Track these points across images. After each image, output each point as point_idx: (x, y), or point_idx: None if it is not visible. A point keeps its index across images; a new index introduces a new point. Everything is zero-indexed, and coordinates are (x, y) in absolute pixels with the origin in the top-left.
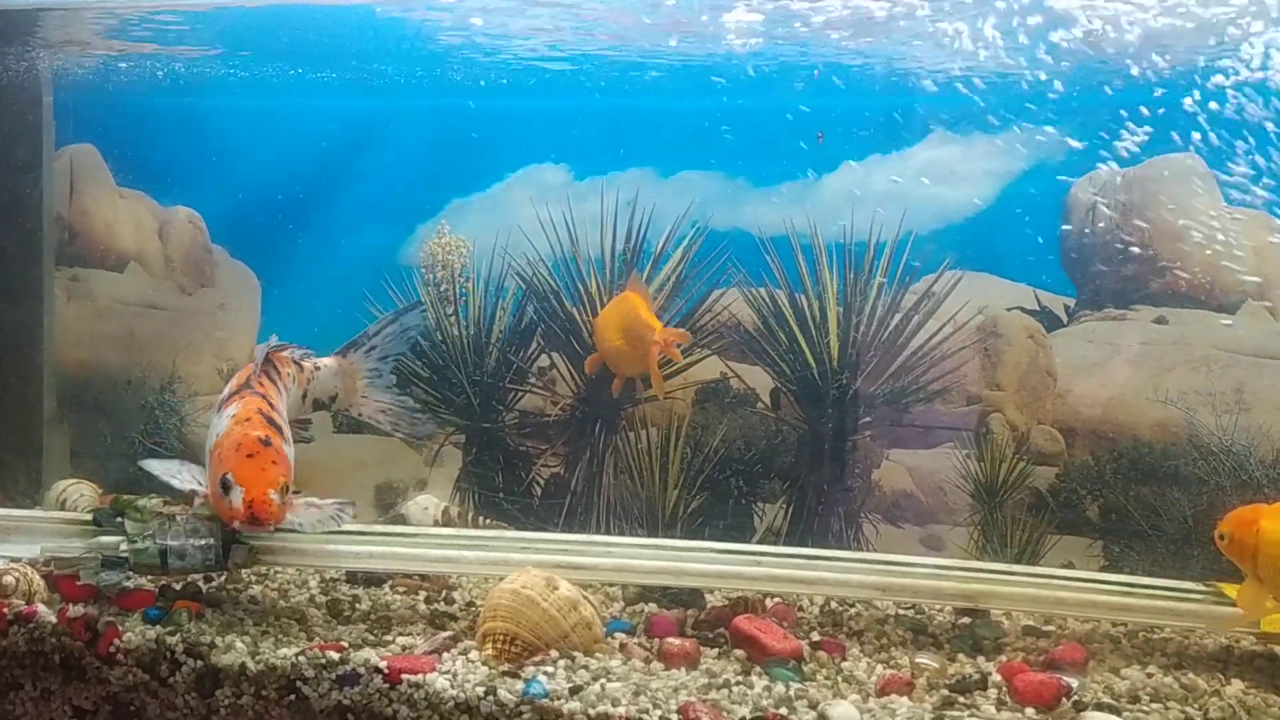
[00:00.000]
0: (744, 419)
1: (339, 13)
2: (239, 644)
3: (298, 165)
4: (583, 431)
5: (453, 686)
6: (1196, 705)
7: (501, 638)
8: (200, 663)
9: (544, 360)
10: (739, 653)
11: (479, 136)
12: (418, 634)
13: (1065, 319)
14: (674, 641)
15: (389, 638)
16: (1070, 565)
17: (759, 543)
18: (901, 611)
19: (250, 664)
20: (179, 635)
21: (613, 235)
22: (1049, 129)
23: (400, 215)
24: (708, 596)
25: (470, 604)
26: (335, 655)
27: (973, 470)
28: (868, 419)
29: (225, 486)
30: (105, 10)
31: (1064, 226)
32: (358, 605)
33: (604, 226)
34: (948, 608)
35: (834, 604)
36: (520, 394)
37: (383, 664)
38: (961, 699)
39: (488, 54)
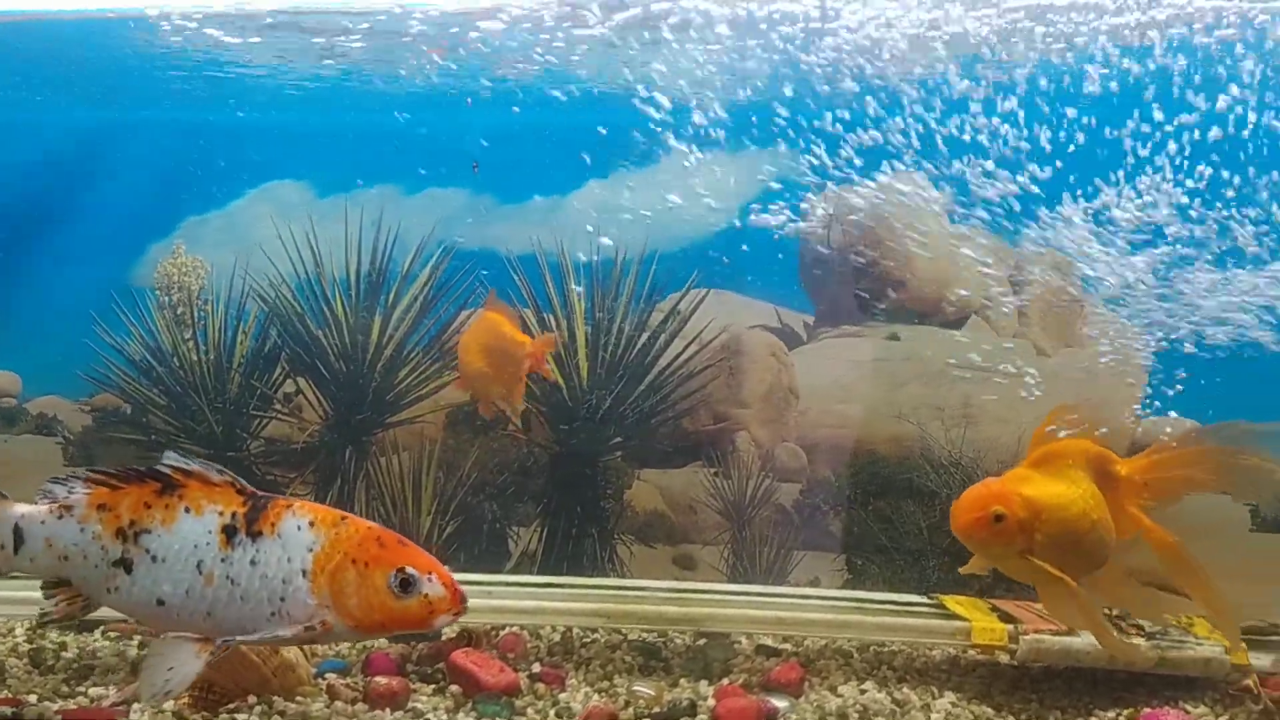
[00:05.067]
0: (496, 442)
1: (62, 26)
2: None
3: (16, 183)
4: (332, 458)
5: None
6: None
7: (198, 685)
8: None
9: (290, 385)
10: (455, 689)
11: (215, 152)
12: (117, 682)
13: (805, 336)
14: (381, 681)
15: (83, 688)
16: (816, 581)
17: (514, 568)
18: (644, 635)
19: None
20: None
21: (358, 255)
22: (786, 149)
23: (131, 234)
24: (444, 629)
25: None
26: (8, 710)
27: (721, 488)
28: (618, 438)
29: (408, 584)
30: None
31: (801, 244)
32: (63, 653)
33: (349, 246)
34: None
35: (576, 630)
36: (265, 420)
37: (58, 718)
38: None
39: (224, 69)
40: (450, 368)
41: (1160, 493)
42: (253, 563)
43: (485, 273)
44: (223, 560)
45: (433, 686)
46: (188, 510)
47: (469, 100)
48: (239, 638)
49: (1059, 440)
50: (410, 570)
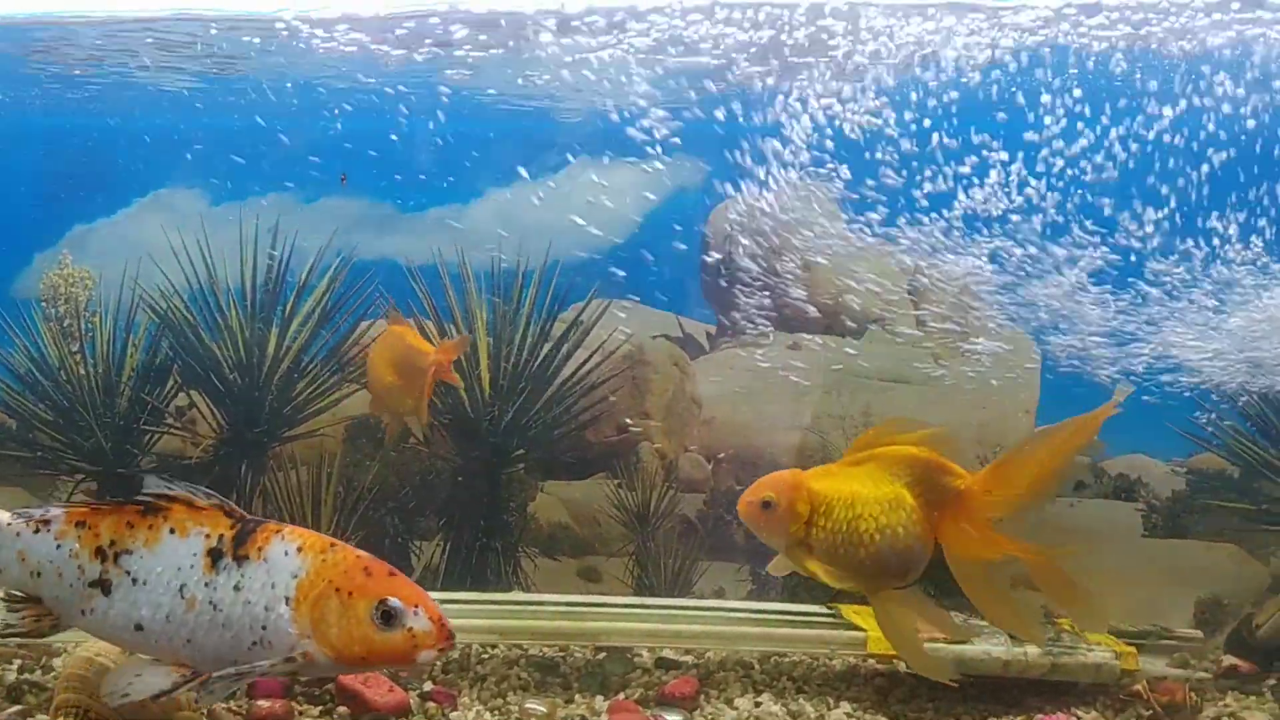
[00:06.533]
0: (397, 455)
1: None
2: None
3: None
4: (228, 473)
5: None
6: None
7: (74, 710)
8: None
9: (183, 399)
10: (343, 710)
11: (102, 159)
12: None
13: (707, 346)
14: (263, 704)
15: None
16: (721, 591)
17: (417, 582)
18: (544, 650)
19: None
20: None
21: (254, 264)
22: (688, 157)
23: (15, 244)
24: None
25: None
26: None
27: (624, 499)
28: (521, 450)
29: (390, 617)
30: None
31: (703, 254)
32: None
33: (244, 255)
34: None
35: (476, 646)
36: (157, 435)
37: None
38: None
39: (110, 74)
40: (350, 379)
41: (1010, 503)
42: (236, 588)
43: (388, 296)
44: (206, 584)
45: (319, 708)
46: (172, 531)
47: (336, 110)
48: (216, 674)
49: (883, 447)
50: (393, 602)
